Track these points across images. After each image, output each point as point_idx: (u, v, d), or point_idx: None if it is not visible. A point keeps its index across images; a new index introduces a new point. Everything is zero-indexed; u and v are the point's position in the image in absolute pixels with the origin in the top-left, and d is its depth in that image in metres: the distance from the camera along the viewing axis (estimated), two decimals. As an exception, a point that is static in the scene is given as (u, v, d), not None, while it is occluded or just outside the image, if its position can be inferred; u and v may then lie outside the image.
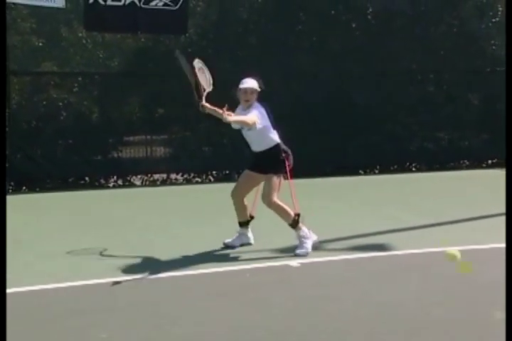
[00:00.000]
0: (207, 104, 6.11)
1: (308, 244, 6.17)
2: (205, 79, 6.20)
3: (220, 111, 5.92)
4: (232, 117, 5.86)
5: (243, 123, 6.02)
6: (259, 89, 6.17)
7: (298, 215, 6.17)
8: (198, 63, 6.27)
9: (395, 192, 10.26)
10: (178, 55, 6.48)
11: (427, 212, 8.24)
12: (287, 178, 6.26)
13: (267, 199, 6.12)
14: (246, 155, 11.52)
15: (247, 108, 6.19)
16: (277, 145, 6.24)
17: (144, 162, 11.79)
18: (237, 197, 6.41)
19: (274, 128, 6.26)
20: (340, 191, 10.48)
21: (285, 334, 4.16)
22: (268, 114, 6.20)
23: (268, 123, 6.18)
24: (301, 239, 6.18)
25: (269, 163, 6.21)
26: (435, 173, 12.53)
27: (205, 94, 6.13)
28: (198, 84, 6.16)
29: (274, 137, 6.25)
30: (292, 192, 6.20)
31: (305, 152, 11.88)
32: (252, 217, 6.56)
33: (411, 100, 12.87)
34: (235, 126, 6.21)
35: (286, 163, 6.22)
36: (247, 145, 6.45)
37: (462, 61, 13.05)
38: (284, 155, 6.23)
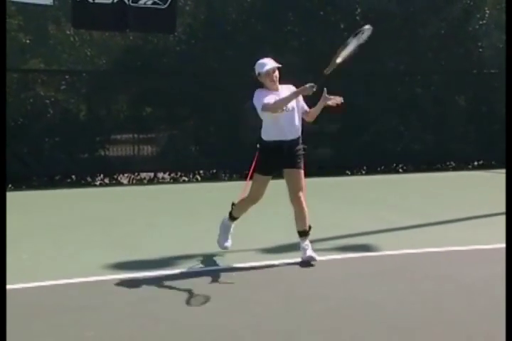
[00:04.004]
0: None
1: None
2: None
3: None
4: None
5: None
6: (279, 65, 5.78)
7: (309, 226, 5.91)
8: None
9: (382, 192, 10.30)
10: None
11: (414, 212, 8.27)
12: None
13: (296, 195, 5.79)
14: (233, 155, 11.62)
15: (277, 89, 5.75)
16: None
17: (131, 160, 11.76)
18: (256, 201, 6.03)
19: None
20: (327, 191, 10.50)
21: (270, 334, 4.16)
22: None
23: None
24: (308, 246, 5.87)
25: (299, 156, 5.84)
26: (422, 174, 12.59)
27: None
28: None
29: None
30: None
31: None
32: None
33: (398, 101, 12.93)
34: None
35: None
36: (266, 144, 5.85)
37: (449, 63, 13.12)
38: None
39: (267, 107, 5.60)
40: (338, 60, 5.71)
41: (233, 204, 6.10)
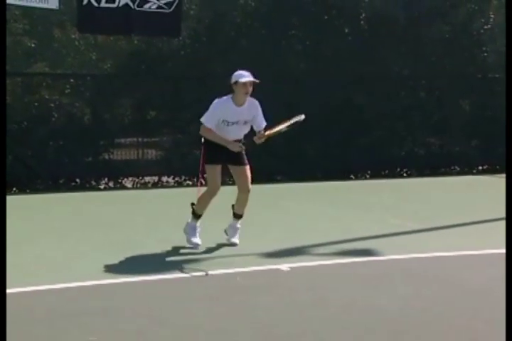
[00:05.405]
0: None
1: None
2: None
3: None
4: (271, 131, 6.35)
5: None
6: (257, 81, 6.24)
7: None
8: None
9: (386, 197, 10.28)
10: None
11: (417, 217, 8.26)
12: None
13: (249, 187, 6.46)
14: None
15: (243, 103, 6.27)
16: None
17: (136, 164, 11.76)
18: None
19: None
20: (331, 195, 10.50)
21: (272, 339, 4.16)
22: None
23: None
24: (238, 230, 6.65)
25: (243, 153, 6.44)
26: (426, 179, 12.57)
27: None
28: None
29: None
30: None
31: (296, 157, 11.91)
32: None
33: (402, 105, 12.92)
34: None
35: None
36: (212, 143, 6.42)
37: (454, 67, 13.11)
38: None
39: (205, 131, 6.35)
40: (271, 132, 6.37)
41: (193, 204, 6.57)
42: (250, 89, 6.23)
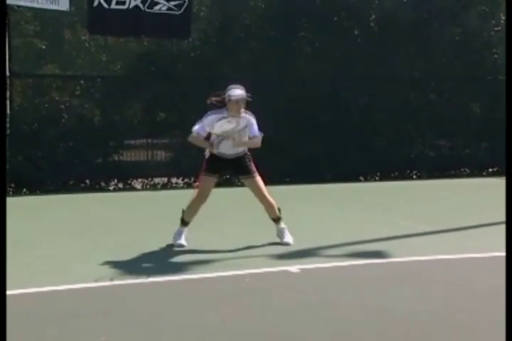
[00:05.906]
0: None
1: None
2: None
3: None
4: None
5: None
6: (250, 99, 6.40)
7: (279, 209, 6.72)
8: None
9: (395, 199, 10.27)
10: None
11: (427, 219, 8.23)
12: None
13: (265, 195, 6.59)
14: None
15: (235, 117, 6.41)
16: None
17: (145, 165, 11.78)
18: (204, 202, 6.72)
19: None
20: (340, 198, 10.49)
21: (281, 340, 4.16)
22: None
23: None
24: (285, 229, 6.74)
25: (247, 164, 6.61)
26: (435, 181, 12.54)
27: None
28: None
29: None
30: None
31: (305, 158, 11.90)
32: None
33: (412, 107, 12.90)
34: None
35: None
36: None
37: (464, 69, 13.08)
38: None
39: (191, 137, 6.59)
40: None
41: (183, 210, 6.73)
42: (243, 105, 6.40)
